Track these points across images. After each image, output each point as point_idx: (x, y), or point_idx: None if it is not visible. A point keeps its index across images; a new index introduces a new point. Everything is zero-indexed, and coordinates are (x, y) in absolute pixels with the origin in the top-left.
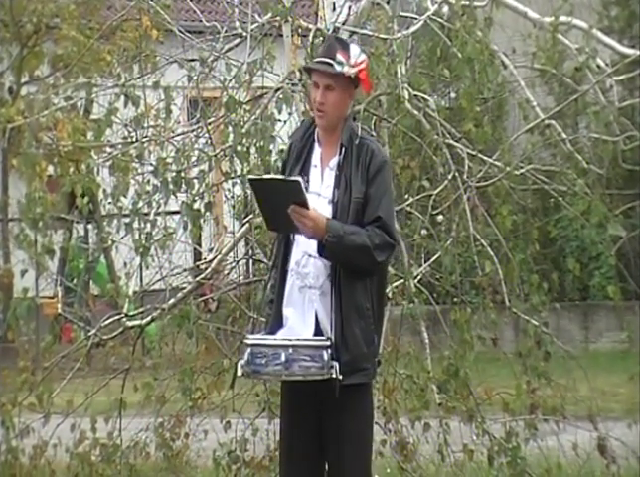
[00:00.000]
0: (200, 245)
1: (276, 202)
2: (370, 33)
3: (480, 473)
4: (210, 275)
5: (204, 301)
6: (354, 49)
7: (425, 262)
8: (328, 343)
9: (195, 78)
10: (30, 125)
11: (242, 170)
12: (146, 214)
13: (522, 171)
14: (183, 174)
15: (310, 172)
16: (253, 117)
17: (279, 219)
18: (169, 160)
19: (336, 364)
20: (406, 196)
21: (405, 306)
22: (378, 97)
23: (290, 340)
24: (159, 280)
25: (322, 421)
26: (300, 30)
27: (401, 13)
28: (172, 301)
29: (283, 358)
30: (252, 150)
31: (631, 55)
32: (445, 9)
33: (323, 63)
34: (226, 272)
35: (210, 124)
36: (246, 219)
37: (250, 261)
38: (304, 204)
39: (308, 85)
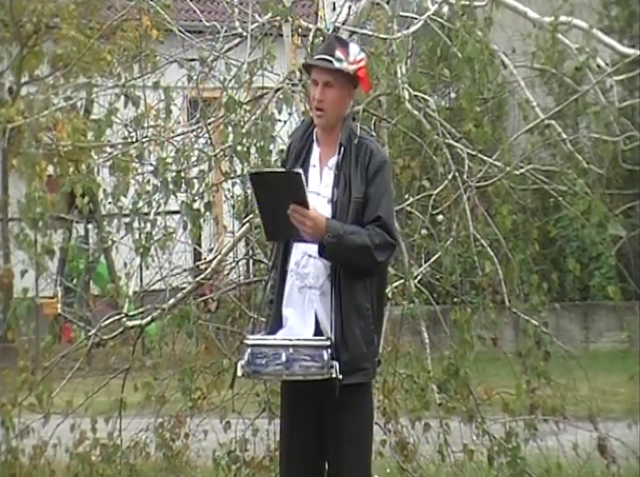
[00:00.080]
0: (200, 245)
1: (276, 200)
2: (370, 33)
3: (480, 473)
4: (210, 275)
5: (204, 301)
6: (353, 47)
7: (425, 262)
8: (328, 343)
9: (195, 78)
10: (30, 125)
11: (242, 170)
12: (146, 214)
13: (522, 171)
14: (183, 174)
15: (309, 172)
16: (253, 117)
17: (278, 221)
18: (169, 160)
19: (336, 364)
20: (406, 196)
21: (405, 306)
22: (378, 97)
23: (290, 340)
24: (159, 280)
25: (322, 421)
26: (300, 30)
27: (401, 13)
28: (172, 301)
29: (284, 358)
30: (252, 150)
31: (631, 55)
32: (445, 9)
33: (322, 59)
34: (226, 272)
35: (210, 124)
36: (246, 219)
37: (250, 261)
38: (304, 201)
39: (308, 85)
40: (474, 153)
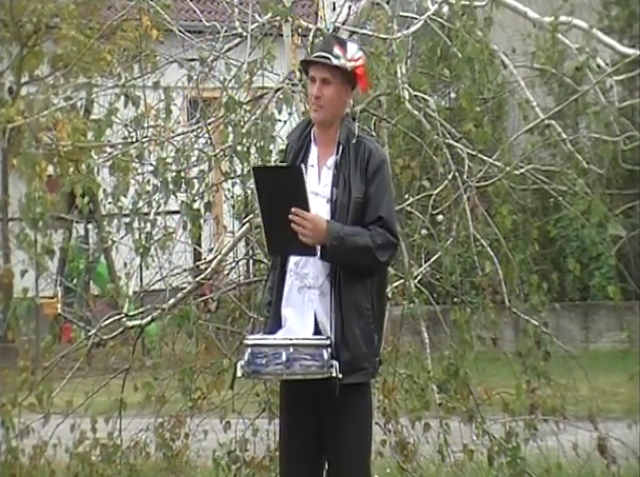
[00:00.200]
0: (200, 245)
1: (277, 200)
2: (370, 33)
3: (480, 473)
4: (210, 275)
5: (204, 301)
6: (351, 46)
7: (425, 262)
8: (328, 342)
9: (195, 78)
10: (30, 125)
11: (242, 170)
12: (146, 214)
13: (522, 171)
14: (183, 174)
15: (307, 172)
16: (253, 117)
17: (280, 228)
18: (169, 160)
19: (336, 363)
20: (406, 196)
21: (405, 306)
22: (378, 97)
23: (291, 339)
24: (159, 280)
25: (321, 421)
26: (300, 30)
27: (401, 13)
28: (172, 301)
29: (284, 357)
30: (252, 150)
31: (631, 55)
32: (445, 9)
33: (320, 56)
34: (226, 272)
35: (210, 124)
36: (246, 219)
37: (250, 261)
38: (305, 200)
39: (308, 85)
40: (474, 153)
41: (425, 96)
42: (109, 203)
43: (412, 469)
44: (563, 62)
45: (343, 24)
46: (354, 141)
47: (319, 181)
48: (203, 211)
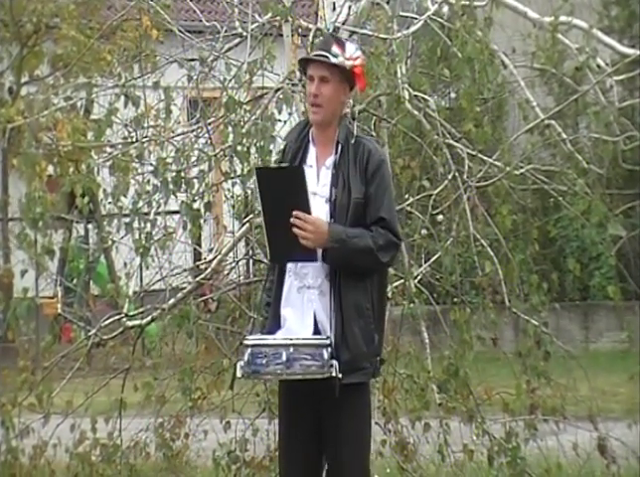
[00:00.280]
0: (200, 245)
1: (279, 202)
2: (370, 33)
3: (480, 473)
4: (210, 275)
5: (204, 301)
6: (350, 45)
7: (425, 262)
8: (328, 342)
9: (195, 78)
10: (30, 125)
11: (242, 170)
12: (146, 214)
13: (522, 171)
14: (183, 174)
15: (306, 172)
16: (253, 117)
17: (282, 232)
18: (169, 160)
19: (335, 362)
20: (406, 196)
21: (405, 306)
22: (378, 97)
23: (291, 339)
24: (159, 280)
25: (321, 421)
26: (300, 30)
27: (401, 13)
28: (172, 301)
29: (284, 357)
30: (252, 150)
31: (631, 55)
32: (445, 9)
33: (319, 55)
34: (226, 272)
35: (210, 124)
36: (246, 219)
37: (250, 261)
38: (306, 201)
39: (307, 84)
40: (474, 153)
41: (425, 96)
42: (109, 203)
43: (412, 469)
44: (563, 62)
45: (343, 24)
46: (353, 141)
47: (318, 181)
48: (203, 211)
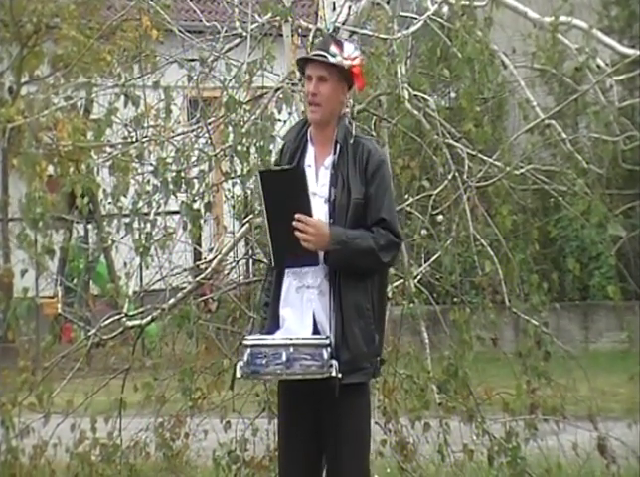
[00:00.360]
0: (200, 245)
1: (281, 203)
2: (370, 33)
3: (480, 473)
4: (210, 275)
5: (204, 301)
6: (348, 45)
7: (425, 262)
8: (328, 341)
9: (195, 78)
10: (30, 125)
11: (242, 170)
12: (146, 214)
13: (522, 171)
14: (183, 174)
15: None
16: (253, 117)
17: (282, 230)
18: (169, 160)
19: (335, 362)
20: (406, 196)
21: (405, 306)
22: (378, 97)
23: (291, 339)
24: (159, 280)
25: (320, 420)
26: (300, 30)
27: (401, 13)
28: (172, 301)
29: (284, 357)
30: (252, 150)
31: (631, 55)
32: (445, 9)
33: (317, 54)
34: (226, 272)
35: (210, 124)
36: (246, 219)
37: (250, 261)
38: (307, 204)
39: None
40: (474, 153)
41: (425, 96)
42: (109, 203)
43: (412, 469)
44: (563, 62)
45: (343, 24)
46: (351, 141)
47: (317, 181)
48: (203, 211)
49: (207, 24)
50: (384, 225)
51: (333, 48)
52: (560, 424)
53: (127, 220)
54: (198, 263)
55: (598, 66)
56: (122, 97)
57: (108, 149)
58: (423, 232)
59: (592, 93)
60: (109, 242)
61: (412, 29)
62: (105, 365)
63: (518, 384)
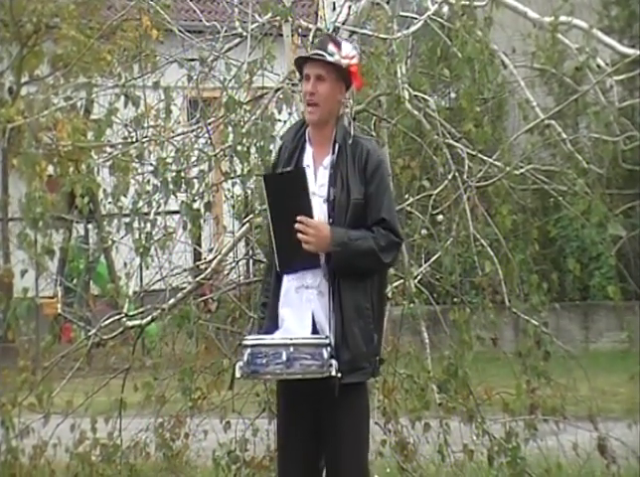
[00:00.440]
0: (200, 245)
1: (283, 205)
2: (370, 33)
3: (480, 473)
4: (210, 275)
5: (204, 301)
6: (346, 44)
7: (425, 262)
8: (327, 341)
9: (195, 78)
10: (30, 125)
11: (242, 170)
12: (146, 214)
13: (522, 171)
14: (183, 174)
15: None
16: (253, 117)
17: (285, 232)
18: (169, 160)
19: (334, 362)
20: (406, 196)
21: (405, 306)
22: (378, 97)
23: (291, 339)
24: (159, 280)
25: (319, 420)
26: (300, 30)
27: (402, 13)
28: (172, 301)
29: (284, 357)
30: (252, 150)
31: (631, 55)
32: (445, 9)
33: (315, 54)
34: (226, 272)
35: (210, 124)
36: (246, 219)
37: (250, 261)
38: (308, 205)
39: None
40: (474, 153)
41: (425, 96)
42: (109, 203)
43: (412, 469)
44: (563, 62)
45: (343, 24)
46: (350, 141)
47: (315, 181)
48: (203, 211)
49: (207, 24)
50: (384, 225)
51: (331, 47)
52: (560, 424)
53: (127, 220)
54: (198, 263)
55: (598, 66)
56: (122, 97)
57: (108, 149)
58: (423, 232)
59: (592, 93)
60: (109, 242)
61: (412, 29)
62: (105, 365)
63: (518, 384)
